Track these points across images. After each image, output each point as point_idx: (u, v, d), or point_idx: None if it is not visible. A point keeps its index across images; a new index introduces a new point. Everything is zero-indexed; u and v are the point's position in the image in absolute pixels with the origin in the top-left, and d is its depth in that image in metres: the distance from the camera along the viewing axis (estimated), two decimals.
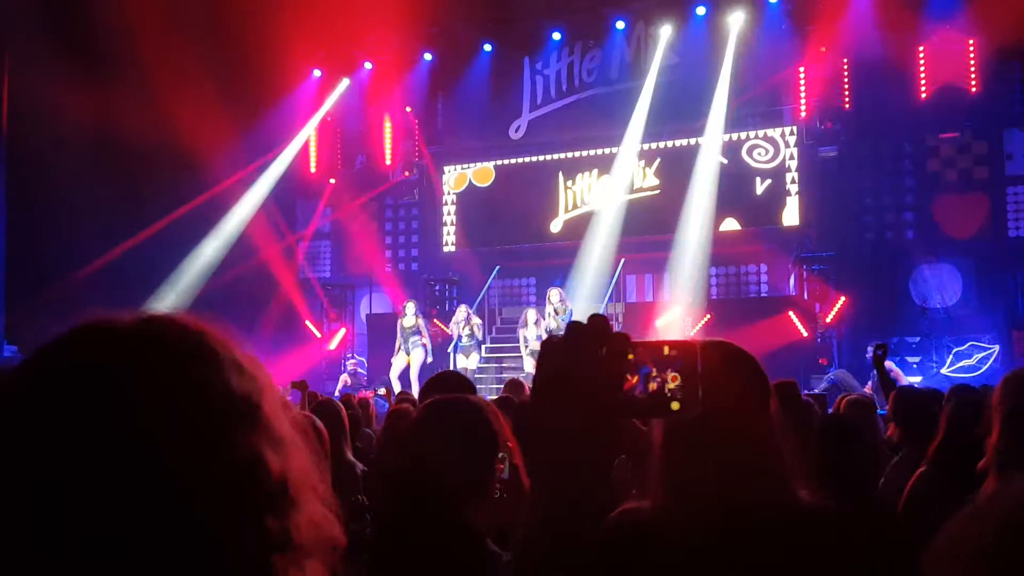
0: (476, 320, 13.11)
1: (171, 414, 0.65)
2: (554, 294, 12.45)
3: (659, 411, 0.99)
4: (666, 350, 0.99)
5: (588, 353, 0.95)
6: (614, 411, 0.98)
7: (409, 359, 12.87)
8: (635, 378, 0.98)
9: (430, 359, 13.04)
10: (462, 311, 13.13)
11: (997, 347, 12.66)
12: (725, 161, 14.54)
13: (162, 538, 0.63)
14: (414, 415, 2.03)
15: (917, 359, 13.13)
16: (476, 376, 12.69)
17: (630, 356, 0.98)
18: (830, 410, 5.56)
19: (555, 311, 12.25)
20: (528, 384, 9.12)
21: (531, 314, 12.66)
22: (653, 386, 0.98)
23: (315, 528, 0.73)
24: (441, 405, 1.96)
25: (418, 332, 12.95)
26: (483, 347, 13.48)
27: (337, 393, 12.59)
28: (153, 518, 0.63)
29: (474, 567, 1.76)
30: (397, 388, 11.99)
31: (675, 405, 0.98)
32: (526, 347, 12.64)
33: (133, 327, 0.70)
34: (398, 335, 13.09)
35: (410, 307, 13.13)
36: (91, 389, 0.65)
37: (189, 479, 0.64)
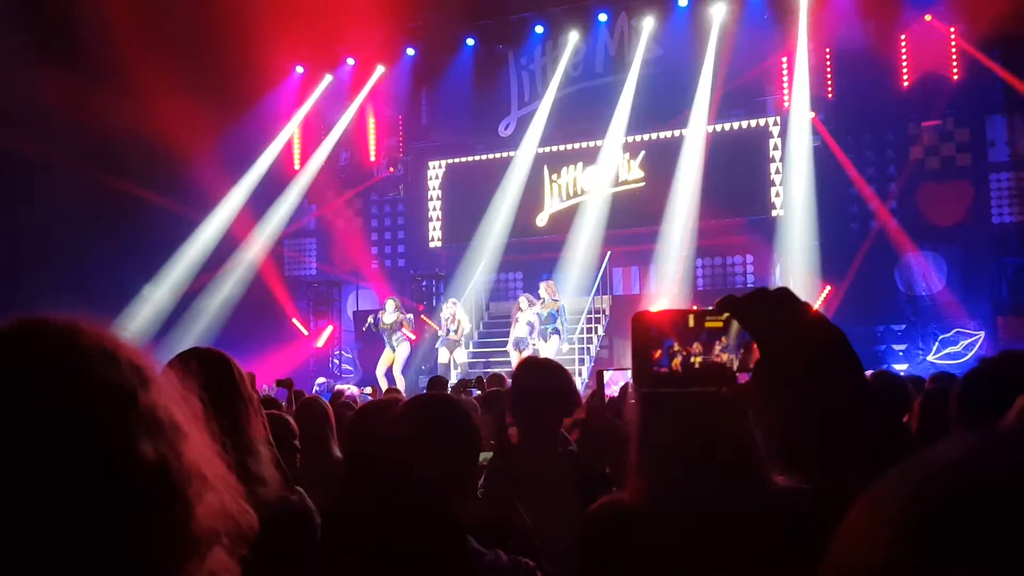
0: (461, 313, 13.04)
1: (36, 408, 0.66)
2: (543, 288, 12.46)
3: (681, 383, 0.99)
4: (691, 322, 0.98)
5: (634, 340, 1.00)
6: (643, 385, 1.01)
7: (393, 356, 12.86)
8: (658, 352, 0.98)
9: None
10: (448, 306, 13.09)
11: (982, 333, 12.73)
12: (708, 152, 14.56)
13: (28, 534, 0.63)
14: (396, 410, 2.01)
15: (903, 347, 13.20)
16: (468, 372, 12.70)
17: (652, 317, 0.99)
18: None
19: (542, 302, 12.27)
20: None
21: (523, 301, 12.66)
22: (677, 361, 0.97)
23: (218, 517, 0.73)
24: (422, 402, 1.96)
25: (400, 328, 12.92)
26: (470, 342, 13.48)
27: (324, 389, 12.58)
28: (19, 514, 0.63)
29: (456, 565, 1.74)
30: (384, 385, 11.96)
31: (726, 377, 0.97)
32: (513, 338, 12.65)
33: (4, 327, 0.71)
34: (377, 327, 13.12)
35: (390, 304, 13.09)
36: None
37: (48, 472, 0.64)
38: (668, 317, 0.98)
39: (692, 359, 0.97)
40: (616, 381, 4.23)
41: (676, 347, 0.98)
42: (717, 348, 0.97)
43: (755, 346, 0.93)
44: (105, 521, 0.65)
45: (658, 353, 0.98)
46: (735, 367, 0.97)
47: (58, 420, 0.66)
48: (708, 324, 0.97)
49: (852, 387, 0.88)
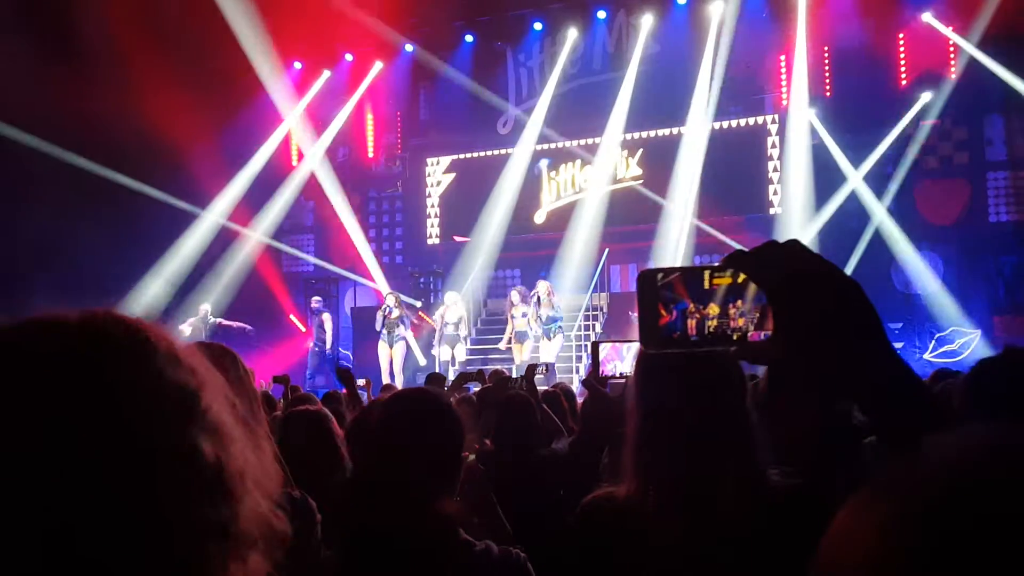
0: (453, 301, 13.03)
1: (106, 404, 0.67)
2: (542, 287, 12.47)
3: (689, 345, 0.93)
4: (705, 282, 0.93)
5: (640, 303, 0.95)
6: (651, 347, 0.94)
7: (392, 352, 12.83)
8: (671, 314, 0.93)
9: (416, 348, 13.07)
10: (450, 297, 13.08)
11: (979, 332, 12.74)
12: (706, 149, 14.56)
13: (94, 525, 0.65)
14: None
15: (900, 345, 13.21)
16: (464, 369, 12.67)
17: (659, 276, 0.94)
18: None
19: (539, 302, 12.28)
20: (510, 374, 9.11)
21: (515, 295, 12.67)
22: (692, 322, 0.93)
23: (258, 521, 0.76)
24: (405, 397, 1.97)
25: (401, 323, 12.90)
26: (467, 339, 13.46)
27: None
28: (85, 506, 0.65)
29: (447, 555, 1.75)
30: (386, 380, 11.94)
31: (735, 337, 0.92)
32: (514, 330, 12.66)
33: (76, 320, 0.72)
34: (378, 321, 13.05)
35: (391, 299, 13.05)
36: (31, 378, 0.67)
37: (121, 467, 0.66)
38: (679, 276, 0.94)
39: (705, 322, 0.93)
40: (610, 359, 4.23)
41: (691, 308, 0.93)
42: (733, 311, 0.93)
43: (769, 310, 0.89)
44: (167, 519, 0.67)
45: (670, 315, 0.93)
46: (749, 330, 0.92)
47: (129, 420, 0.68)
48: (717, 281, 0.93)
49: (869, 341, 0.84)
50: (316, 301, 14.72)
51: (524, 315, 12.40)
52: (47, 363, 0.67)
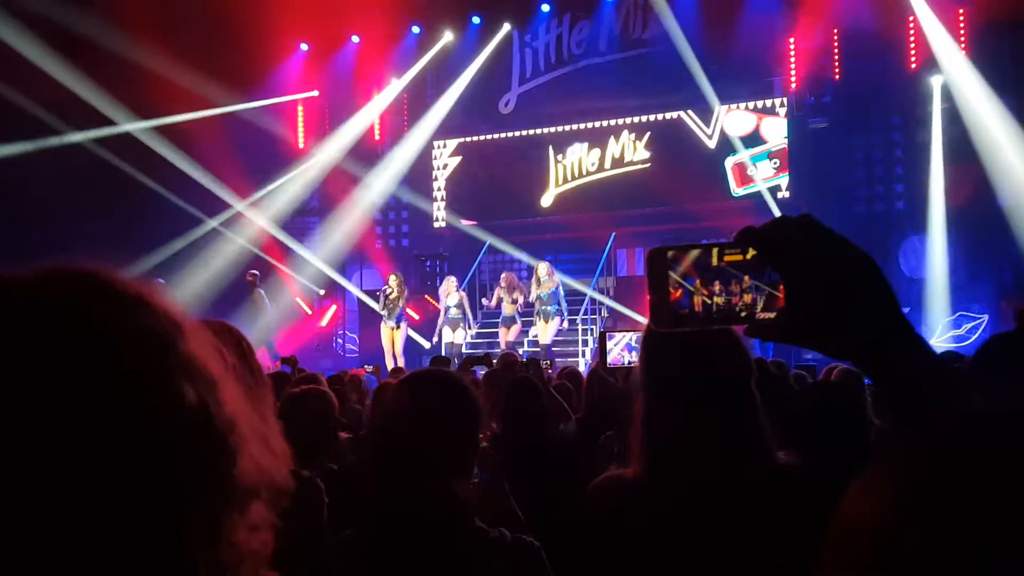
0: (461, 295, 13.06)
1: (75, 355, 0.64)
2: (542, 268, 12.47)
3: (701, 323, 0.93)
4: (713, 259, 0.92)
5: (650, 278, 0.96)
6: (661, 326, 0.94)
7: (394, 335, 12.79)
8: (679, 291, 0.93)
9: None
10: (450, 283, 13.10)
11: (986, 317, 12.70)
12: (714, 133, 14.49)
13: (71, 485, 0.61)
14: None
15: None
16: (464, 352, 12.69)
17: (669, 254, 0.94)
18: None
19: (539, 283, 12.29)
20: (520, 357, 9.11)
21: (504, 280, 12.77)
22: (698, 300, 0.92)
23: (258, 470, 0.72)
24: (422, 379, 1.94)
25: (400, 305, 12.85)
26: (473, 323, 13.46)
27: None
28: (64, 468, 0.61)
29: (462, 541, 1.75)
30: (391, 365, 11.96)
31: (742, 315, 0.91)
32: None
33: (35, 275, 0.69)
34: (381, 304, 12.97)
35: (393, 280, 12.98)
36: None
37: (100, 421, 0.63)
38: (688, 253, 0.93)
39: (713, 299, 0.92)
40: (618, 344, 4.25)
41: (698, 285, 0.92)
42: (741, 288, 0.92)
43: (781, 286, 0.88)
44: (152, 466, 0.64)
45: (678, 293, 0.93)
46: (759, 308, 0.91)
47: (94, 364, 0.64)
48: (728, 258, 0.92)
49: (882, 315, 0.82)
50: (251, 274, 13.99)
51: (514, 301, 12.45)
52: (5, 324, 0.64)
